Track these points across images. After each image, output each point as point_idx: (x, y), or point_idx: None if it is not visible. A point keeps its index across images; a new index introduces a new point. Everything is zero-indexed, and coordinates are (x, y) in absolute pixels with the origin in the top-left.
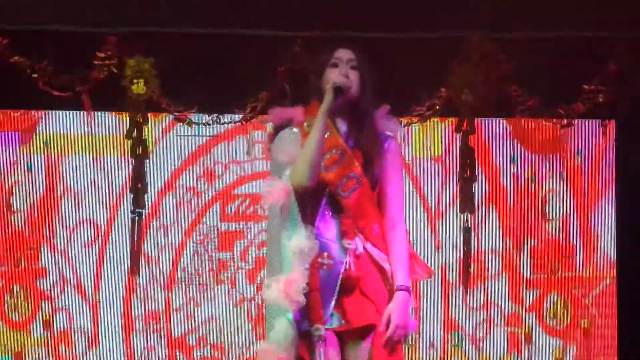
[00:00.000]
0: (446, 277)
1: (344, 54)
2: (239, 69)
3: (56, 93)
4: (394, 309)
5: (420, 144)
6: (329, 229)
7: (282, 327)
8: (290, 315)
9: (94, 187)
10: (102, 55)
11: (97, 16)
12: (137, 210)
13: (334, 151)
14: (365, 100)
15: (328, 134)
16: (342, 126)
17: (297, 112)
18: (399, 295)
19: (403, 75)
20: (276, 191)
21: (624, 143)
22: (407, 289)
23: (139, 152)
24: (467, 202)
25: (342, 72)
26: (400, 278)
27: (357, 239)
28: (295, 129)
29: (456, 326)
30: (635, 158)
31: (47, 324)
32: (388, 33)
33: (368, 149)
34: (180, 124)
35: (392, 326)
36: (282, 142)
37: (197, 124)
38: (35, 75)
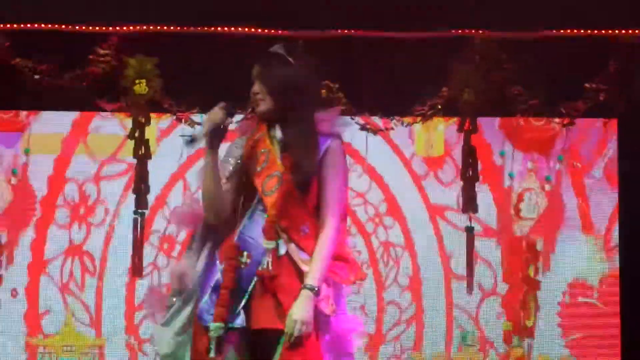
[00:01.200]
0: None
1: (254, 70)
2: (241, 69)
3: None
4: (294, 306)
5: (422, 143)
6: (255, 228)
7: (173, 309)
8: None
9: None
10: (103, 51)
11: (99, 15)
12: (139, 210)
13: (261, 152)
14: (279, 108)
15: (260, 135)
16: (277, 131)
17: (255, 119)
18: (302, 294)
19: (405, 75)
20: (187, 215)
21: (626, 141)
22: (312, 289)
23: (142, 152)
24: (469, 202)
25: (253, 90)
26: (310, 277)
27: (280, 240)
28: (239, 140)
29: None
30: (637, 156)
31: None
32: (390, 32)
33: (297, 149)
34: (182, 124)
35: (289, 322)
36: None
37: (199, 124)
38: (37, 77)
